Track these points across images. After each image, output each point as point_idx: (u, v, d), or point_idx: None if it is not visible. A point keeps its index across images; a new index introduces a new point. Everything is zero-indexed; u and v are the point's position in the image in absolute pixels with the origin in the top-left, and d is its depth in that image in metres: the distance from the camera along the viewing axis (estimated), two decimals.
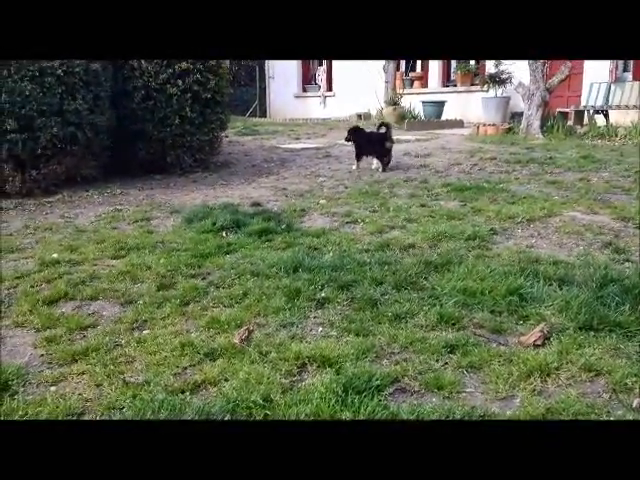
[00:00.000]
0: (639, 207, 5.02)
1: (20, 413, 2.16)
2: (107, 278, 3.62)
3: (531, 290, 3.17)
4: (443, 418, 2.10)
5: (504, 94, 12.95)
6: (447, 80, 15.70)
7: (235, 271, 3.65)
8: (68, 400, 2.25)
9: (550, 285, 3.25)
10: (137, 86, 7.08)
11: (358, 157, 7.65)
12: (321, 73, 18.06)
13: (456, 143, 9.93)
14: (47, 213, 5.60)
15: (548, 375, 2.39)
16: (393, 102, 14.27)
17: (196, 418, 2.11)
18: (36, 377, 2.47)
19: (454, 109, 14.08)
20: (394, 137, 7.69)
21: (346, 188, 6.46)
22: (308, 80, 18.82)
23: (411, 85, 15.87)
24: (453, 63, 15.31)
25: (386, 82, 14.69)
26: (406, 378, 2.40)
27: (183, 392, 2.31)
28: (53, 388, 2.38)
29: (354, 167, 7.65)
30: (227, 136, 9.26)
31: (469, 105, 14.05)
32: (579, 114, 11.47)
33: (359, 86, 15.29)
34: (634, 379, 2.31)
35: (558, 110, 11.65)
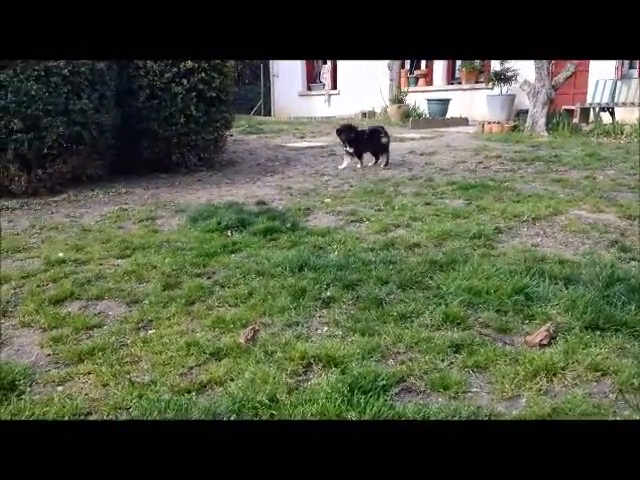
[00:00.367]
0: None
1: (27, 413, 2.17)
2: (113, 278, 3.63)
3: (537, 289, 3.16)
4: (449, 418, 2.10)
5: (509, 92, 12.91)
6: (452, 78, 15.66)
7: (240, 270, 3.66)
8: (75, 400, 2.26)
9: (556, 284, 3.24)
10: (142, 85, 7.10)
11: (358, 155, 7.62)
12: (326, 71, 18.05)
13: (461, 141, 9.91)
14: (53, 212, 5.63)
15: (554, 375, 2.38)
16: (398, 100, 14.26)
17: (202, 418, 2.12)
18: (43, 377, 2.48)
19: (459, 107, 14.04)
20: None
21: (351, 187, 6.46)
22: (313, 78, 18.81)
23: (416, 83, 15.84)
24: (458, 61, 15.27)
25: (391, 80, 14.68)
26: (412, 378, 2.40)
27: (189, 392, 2.32)
28: (60, 388, 2.39)
29: (358, 165, 7.63)
30: (232, 135, 9.27)
31: (474, 103, 14.01)
32: (585, 111, 11.43)
33: (364, 84, 15.29)
34: None
35: (564, 108, 11.61)
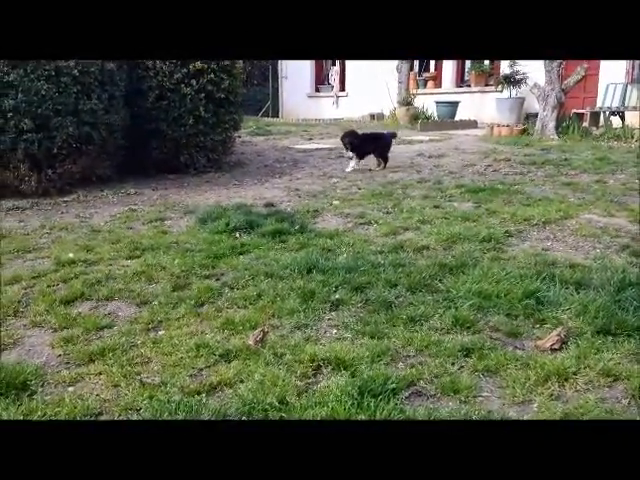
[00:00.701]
0: None
1: (39, 413, 2.17)
2: (122, 278, 3.64)
3: (547, 293, 3.15)
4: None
5: (518, 95, 12.86)
6: (461, 80, 15.63)
7: (249, 272, 3.66)
8: (86, 400, 2.27)
9: (567, 288, 3.22)
10: (151, 86, 7.12)
11: (361, 157, 7.62)
12: (334, 73, 18.04)
13: (470, 144, 9.88)
14: (63, 213, 5.65)
15: (566, 380, 2.37)
16: (406, 102, 14.23)
17: (213, 419, 2.12)
18: (54, 377, 2.49)
19: (468, 110, 14.02)
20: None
21: (359, 189, 6.45)
22: (321, 80, 18.82)
23: (425, 85, 15.82)
24: (467, 63, 15.25)
25: (399, 82, 14.66)
26: (422, 381, 2.39)
27: (199, 393, 2.32)
28: (71, 388, 2.40)
29: (356, 166, 7.62)
30: (240, 136, 9.29)
31: (483, 106, 13.98)
32: (595, 115, 11.38)
33: (372, 86, 15.28)
34: None
35: (573, 111, 11.56)
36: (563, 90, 10.57)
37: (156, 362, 2.60)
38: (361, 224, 4.92)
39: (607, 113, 11.13)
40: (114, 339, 2.82)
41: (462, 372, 2.47)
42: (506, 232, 4.45)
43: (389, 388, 2.28)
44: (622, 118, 11.01)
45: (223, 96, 7.47)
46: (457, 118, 13.86)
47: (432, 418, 2.11)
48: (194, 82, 7.16)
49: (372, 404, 2.17)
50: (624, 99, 11.19)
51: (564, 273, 3.46)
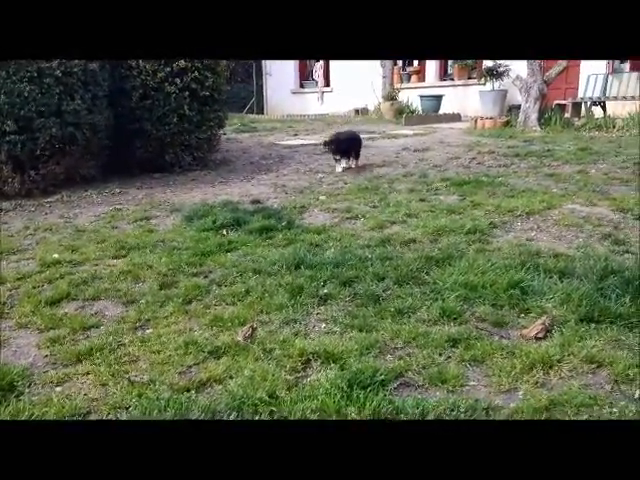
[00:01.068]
0: (639, 198, 5.03)
1: (26, 414, 2.16)
2: (109, 278, 3.62)
3: (532, 283, 3.19)
4: (447, 412, 2.11)
5: (501, 87, 12.93)
6: (444, 74, 15.68)
7: (237, 269, 3.66)
8: (74, 400, 2.27)
9: (551, 278, 3.26)
10: (135, 85, 7.06)
11: (348, 157, 7.57)
12: (318, 69, 18.02)
13: (454, 137, 9.93)
14: (47, 213, 5.61)
15: (550, 367, 2.41)
16: (391, 97, 14.27)
17: (202, 416, 2.13)
18: (41, 378, 2.48)
19: (452, 103, 14.08)
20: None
21: (345, 184, 6.46)
22: (305, 76, 18.80)
23: (409, 79, 15.86)
24: None
25: (384, 77, 14.69)
26: (410, 372, 2.42)
27: (188, 390, 2.32)
28: (58, 388, 2.39)
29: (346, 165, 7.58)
30: (225, 134, 9.26)
31: (467, 99, 14.04)
32: (576, 106, 11.47)
33: (357, 81, 15.28)
34: (636, 370, 2.32)
35: (555, 102, 11.65)
36: (545, 82, 10.66)
37: (144, 360, 2.60)
38: (348, 219, 4.93)
39: (589, 104, 11.23)
40: (101, 339, 2.81)
41: (449, 362, 2.50)
42: (491, 224, 4.49)
43: (378, 380, 2.31)
44: (603, 108, 11.12)
45: (207, 94, 7.44)
46: (441, 112, 13.92)
47: (420, 408, 2.12)
48: (178, 80, 7.11)
49: (361, 396, 2.19)
50: (605, 89, 11.30)
51: (548, 263, 3.50)
